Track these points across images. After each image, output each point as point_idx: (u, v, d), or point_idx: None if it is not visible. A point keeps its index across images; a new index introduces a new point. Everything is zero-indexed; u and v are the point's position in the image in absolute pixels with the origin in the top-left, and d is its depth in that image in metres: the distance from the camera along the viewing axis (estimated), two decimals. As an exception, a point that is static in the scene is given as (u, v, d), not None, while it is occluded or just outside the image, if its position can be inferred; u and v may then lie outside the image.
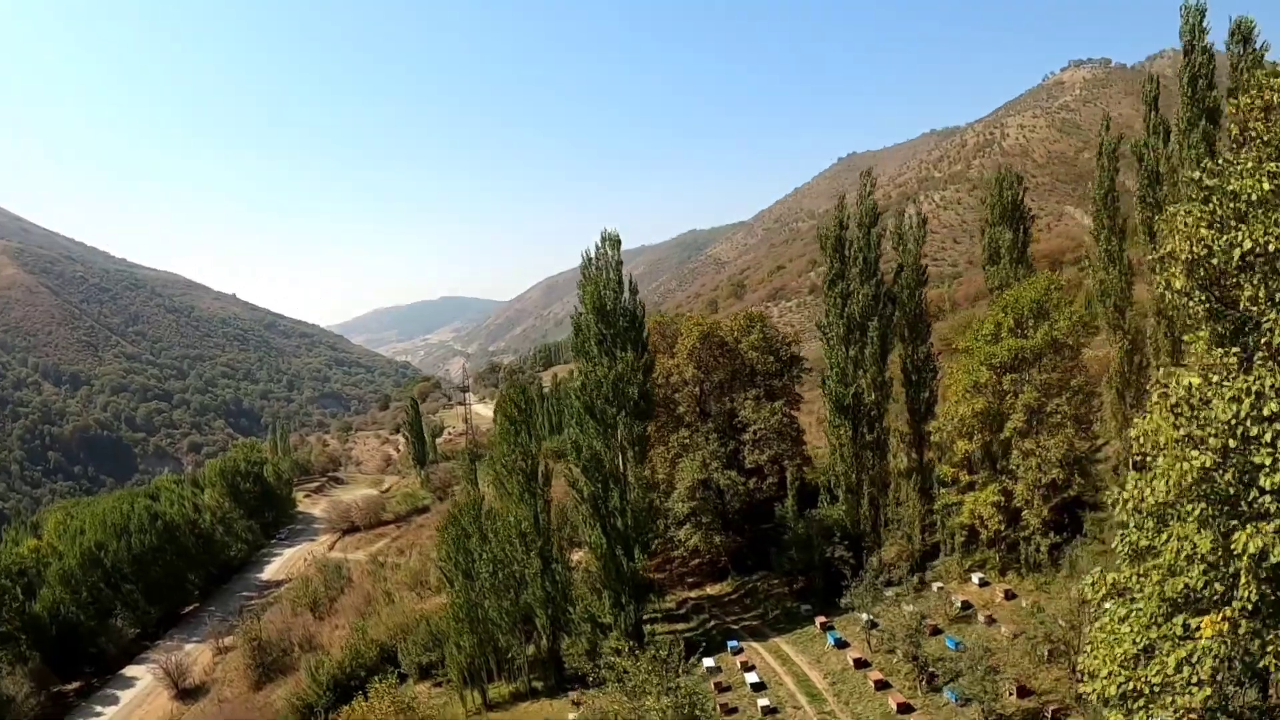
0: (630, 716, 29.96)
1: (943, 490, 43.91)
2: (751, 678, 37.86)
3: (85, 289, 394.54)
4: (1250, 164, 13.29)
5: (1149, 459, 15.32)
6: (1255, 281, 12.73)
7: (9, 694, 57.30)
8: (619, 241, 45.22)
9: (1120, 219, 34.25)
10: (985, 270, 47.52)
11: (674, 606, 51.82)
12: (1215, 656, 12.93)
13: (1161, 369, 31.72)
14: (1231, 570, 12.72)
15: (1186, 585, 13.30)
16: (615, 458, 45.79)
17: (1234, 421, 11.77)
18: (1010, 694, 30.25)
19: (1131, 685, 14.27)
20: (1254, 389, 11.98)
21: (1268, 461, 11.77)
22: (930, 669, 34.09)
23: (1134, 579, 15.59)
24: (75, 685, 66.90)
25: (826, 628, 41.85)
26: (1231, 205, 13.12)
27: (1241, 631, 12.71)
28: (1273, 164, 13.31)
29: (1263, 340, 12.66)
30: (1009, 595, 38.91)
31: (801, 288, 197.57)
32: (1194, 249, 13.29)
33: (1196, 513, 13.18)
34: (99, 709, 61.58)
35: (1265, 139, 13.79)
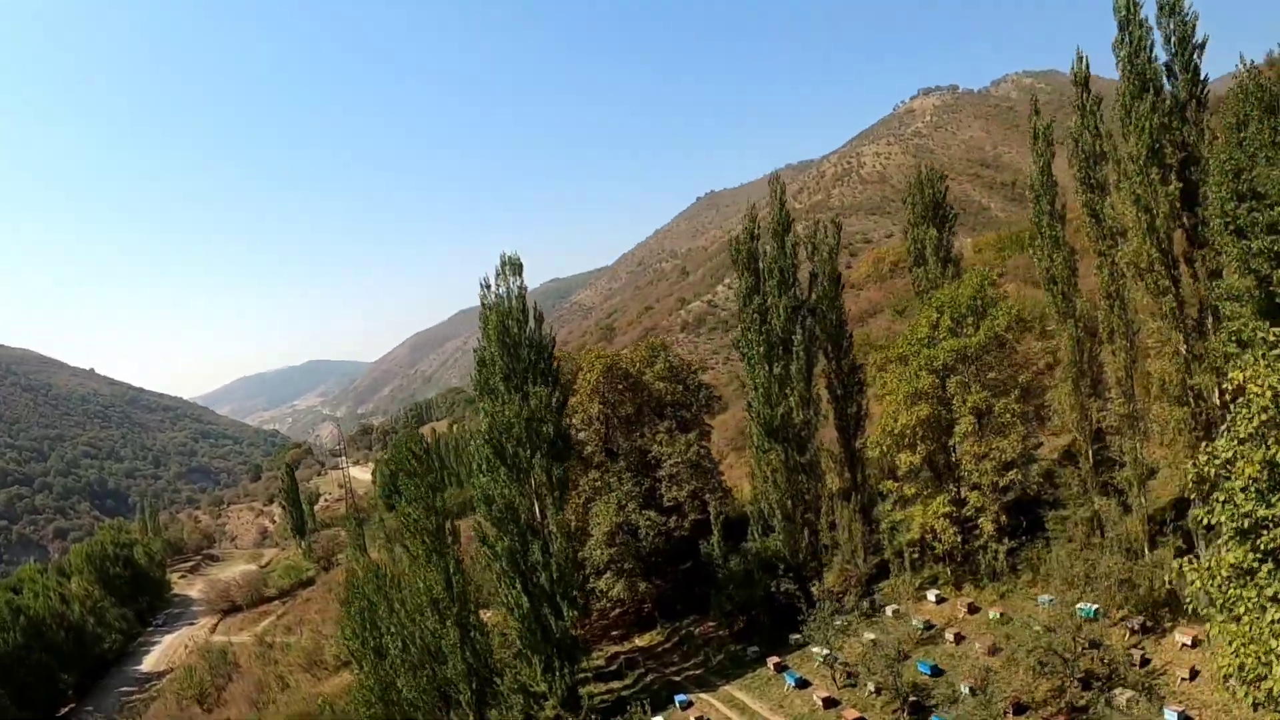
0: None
1: (887, 507, 42.35)
2: (713, 735, 34.54)
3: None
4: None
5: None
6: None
7: None
8: (520, 265, 41.76)
9: (1060, 204, 33.99)
10: (911, 273, 46.99)
11: (603, 663, 47.77)
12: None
13: (1150, 360, 31.07)
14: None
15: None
16: (532, 506, 41.82)
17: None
18: (1007, 713, 28.30)
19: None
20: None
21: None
22: (911, 697, 31.84)
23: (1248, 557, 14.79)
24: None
25: (781, 668, 39.02)
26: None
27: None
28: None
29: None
30: (972, 609, 37.40)
31: (673, 325, 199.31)
32: None
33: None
34: None
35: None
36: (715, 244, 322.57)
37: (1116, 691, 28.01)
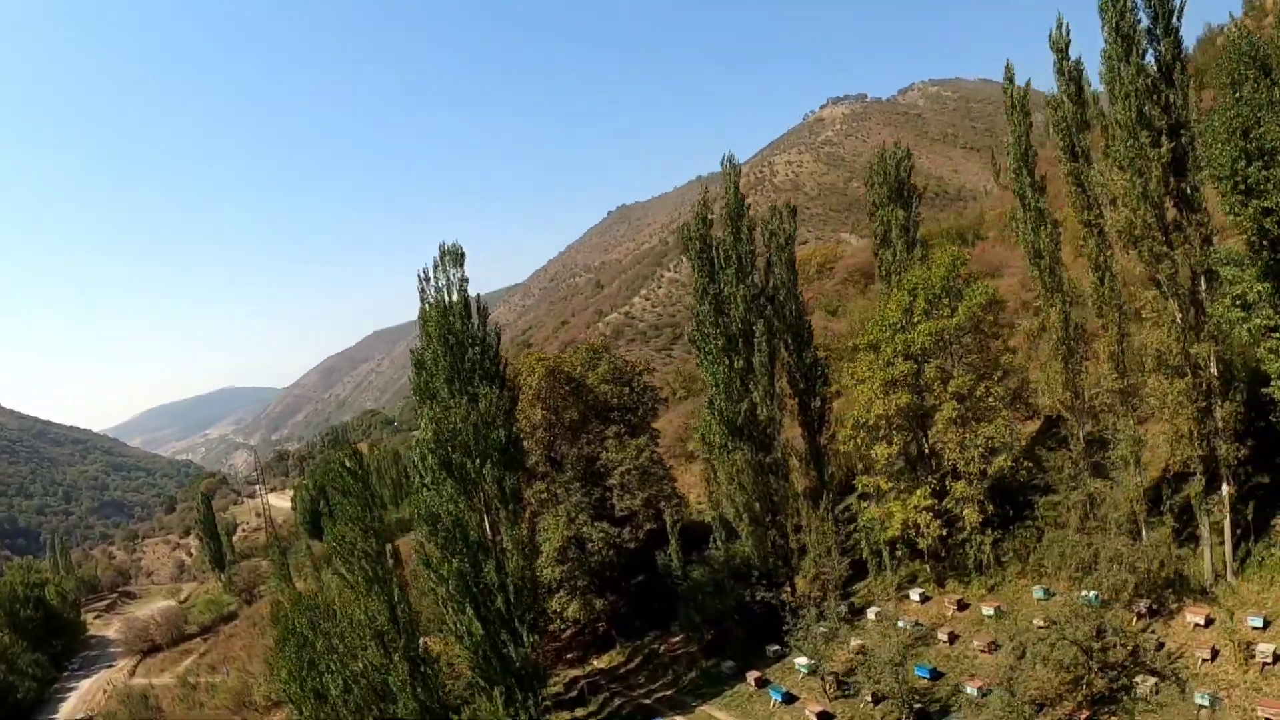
0: None
1: (863, 504, 40.79)
2: (701, 762, 32.01)
3: None
4: None
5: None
6: None
7: None
8: (462, 256, 38.53)
9: (1040, 176, 33.14)
10: (877, 255, 45.79)
11: (562, 690, 44.63)
12: None
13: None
14: None
15: None
16: (482, 522, 38.50)
17: None
18: (1034, 716, 26.72)
19: None
20: None
21: None
22: (916, 704, 30.08)
23: None
24: None
25: (763, 683, 36.82)
26: None
27: None
28: None
29: None
30: (961, 605, 36.06)
31: (591, 338, 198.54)
32: None
33: None
34: None
35: None
36: (629, 257, 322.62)
37: (1138, 679, 26.87)
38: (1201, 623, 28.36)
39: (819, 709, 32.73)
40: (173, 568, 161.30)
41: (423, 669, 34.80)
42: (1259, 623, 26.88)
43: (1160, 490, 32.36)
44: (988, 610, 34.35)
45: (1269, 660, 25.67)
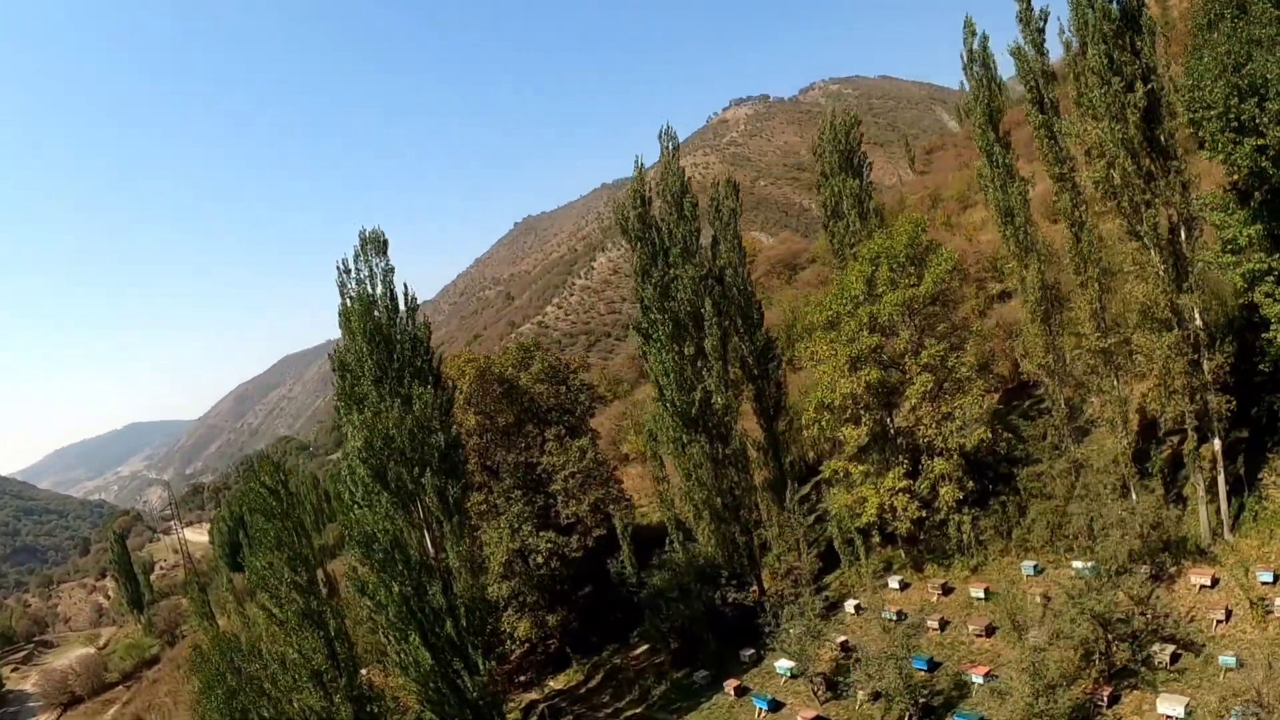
0: None
1: (832, 490, 39.05)
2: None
3: None
4: None
5: None
6: None
7: None
8: (385, 243, 35.01)
9: (1005, 132, 32.06)
10: (828, 228, 44.24)
11: (520, 717, 41.42)
12: None
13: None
14: None
15: None
16: (423, 539, 35.09)
17: None
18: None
19: None
20: None
21: None
22: (921, 699, 28.27)
23: None
24: None
25: (742, 691, 34.58)
26: None
27: None
28: None
29: None
30: (946, 590, 34.64)
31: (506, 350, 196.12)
32: None
33: None
34: None
35: None
36: (537, 267, 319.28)
37: (1155, 648, 25.72)
38: (1207, 583, 27.56)
39: (812, 714, 30.64)
40: (91, 612, 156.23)
41: (370, 708, 31.16)
42: (1269, 578, 26.21)
43: (1148, 451, 31.70)
44: (976, 592, 33.00)
45: (1287, 615, 24.91)
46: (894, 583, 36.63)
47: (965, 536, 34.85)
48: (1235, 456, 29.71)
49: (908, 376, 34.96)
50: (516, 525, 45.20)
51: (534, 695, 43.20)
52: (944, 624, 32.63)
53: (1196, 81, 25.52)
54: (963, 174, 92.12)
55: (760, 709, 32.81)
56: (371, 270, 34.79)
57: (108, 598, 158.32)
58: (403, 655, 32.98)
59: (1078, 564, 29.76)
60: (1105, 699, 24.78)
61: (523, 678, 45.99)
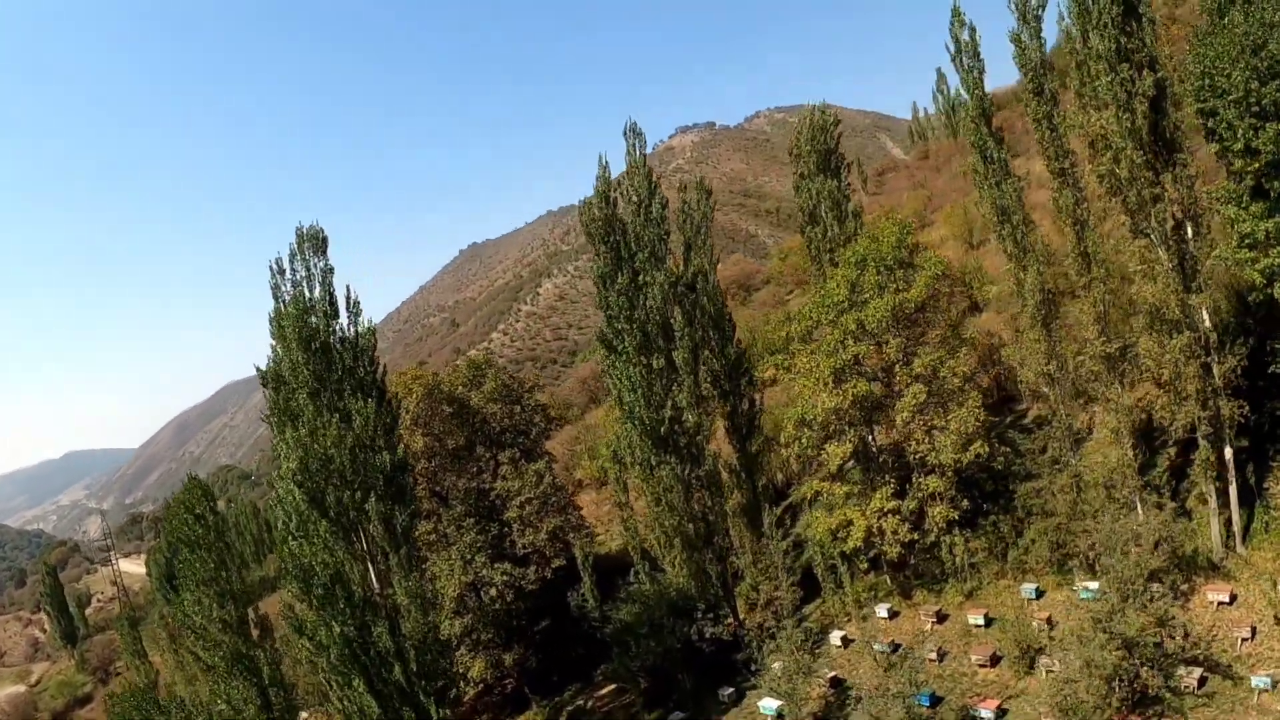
0: None
1: (812, 513, 36.89)
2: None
3: None
4: None
5: None
6: None
7: None
8: (324, 240, 32.04)
9: (998, 128, 30.69)
10: (805, 233, 42.42)
11: (475, 773, 38.11)
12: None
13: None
14: None
15: None
16: (367, 572, 31.84)
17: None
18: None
19: None
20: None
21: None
22: (928, 740, 26.06)
23: None
24: None
25: (724, 734, 32.00)
26: None
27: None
28: None
29: None
30: (940, 617, 32.60)
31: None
32: None
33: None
34: None
35: None
36: (483, 294, 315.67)
37: (1181, 672, 23.92)
38: (1225, 600, 26.06)
39: (805, 758, 28.19)
40: (26, 646, 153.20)
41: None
42: (1294, 593, 24.68)
43: (1148, 463, 30.27)
44: (975, 619, 31.06)
45: (1318, 632, 23.42)
46: (882, 611, 34.51)
47: (959, 559, 32.94)
48: (1242, 465, 28.43)
49: (895, 389, 33.11)
50: (469, 556, 42.17)
51: (489, 744, 39.93)
52: (942, 654, 30.58)
53: (1209, 66, 24.35)
54: (917, 194, 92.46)
55: (746, 754, 30.26)
56: (309, 271, 31.59)
57: (43, 631, 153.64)
58: (346, 703, 29.73)
59: (1090, 585, 27.99)
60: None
61: (477, 724, 42.67)
